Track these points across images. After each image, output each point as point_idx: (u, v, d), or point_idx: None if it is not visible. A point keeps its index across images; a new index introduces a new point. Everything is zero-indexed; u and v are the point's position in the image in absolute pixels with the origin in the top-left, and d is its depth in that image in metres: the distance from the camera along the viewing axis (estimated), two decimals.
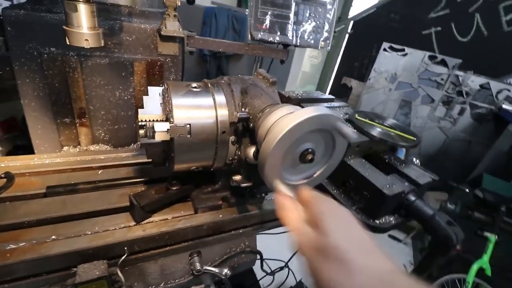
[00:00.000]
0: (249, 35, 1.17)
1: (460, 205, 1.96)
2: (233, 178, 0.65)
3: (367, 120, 0.91)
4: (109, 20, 0.98)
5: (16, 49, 0.92)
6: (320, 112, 0.42)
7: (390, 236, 2.67)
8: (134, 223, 0.62)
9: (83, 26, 0.61)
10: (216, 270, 0.68)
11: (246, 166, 0.63)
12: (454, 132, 2.72)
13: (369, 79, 2.90)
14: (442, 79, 2.66)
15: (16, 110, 2.34)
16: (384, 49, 2.79)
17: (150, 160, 0.66)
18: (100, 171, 0.75)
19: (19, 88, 0.97)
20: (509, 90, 2.46)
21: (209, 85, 0.63)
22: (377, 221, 0.71)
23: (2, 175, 0.66)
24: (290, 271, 1.50)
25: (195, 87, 0.61)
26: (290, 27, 1.19)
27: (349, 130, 0.43)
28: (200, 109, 0.58)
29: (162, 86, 0.68)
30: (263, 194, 0.76)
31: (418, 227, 2.51)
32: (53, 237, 0.55)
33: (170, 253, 0.67)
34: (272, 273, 1.21)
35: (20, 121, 2.36)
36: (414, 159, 1.17)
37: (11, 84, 1.09)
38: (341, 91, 3.10)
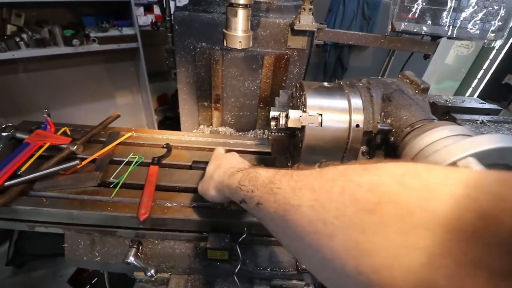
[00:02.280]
0: (390, 26, 1.03)
1: None
2: None
3: None
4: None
5: (179, 44, 1.13)
6: (505, 144, 0.32)
7: None
8: None
9: (239, 29, 0.69)
10: None
11: None
12: None
13: None
14: None
15: (168, 88, 2.98)
16: None
17: (272, 152, 0.70)
18: None
19: (178, 75, 1.21)
20: None
21: (344, 87, 0.60)
22: None
23: (164, 145, 0.85)
24: None
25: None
26: (446, 14, 0.98)
27: None
28: (332, 104, 0.56)
29: (284, 86, 0.69)
30: None
31: None
32: (194, 204, 0.67)
33: (278, 244, 0.71)
34: None
35: (170, 97, 2.99)
36: None
37: (167, 68, 1.38)
38: (499, 93, 2.38)
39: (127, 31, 2.00)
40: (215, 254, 0.64)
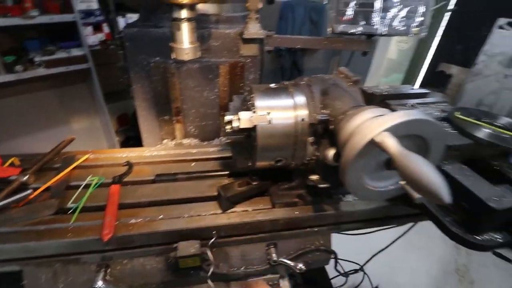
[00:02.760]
0: (330, 29, 1.13)
1: None
2: (309, 177, 0.66)
3: (471, 119, 0.77)
4: (200, 29, 1.10)
5: (132, 60, 1.13)
6: (410, 117, 0.38)
7: (496, 254, 2.19)
8: (220, 211, 0.71)
9: (185, 41, 0.72)
10: (291, 263, 0.71)
11: (324, 167, 0.63)
12: None
13: (476, 64, 2.40)
14: None
15: (127, 107, 2.88)
16: (500, 27, 2.26)
17: (232, 155, 0.73)
18: (193, 163, 0.87)
19: (134, 92, 1.19)
20: None
21: (289, 86, 0.65)
22: (479, 237, 0.61)
23: (124, 163, 0.83)
24: (365, 275, 1.43)
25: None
26: (376, 15, 1.10)
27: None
28: (279, 103, 0.61)
29: (243, 92, 0.73)
30: (341, 196, 0.75)
31: None
32: (160, 216, 0.68)
33: (249, 242, 0.73)
34: (346, 274, 1.17)
35: (130, 116, 2.90)
36: None
37: (123, 87, 1.36)
38: (436, 80, 2.66)
39: (75, 52, 1.92)
40: (186, 262, 0.65)
